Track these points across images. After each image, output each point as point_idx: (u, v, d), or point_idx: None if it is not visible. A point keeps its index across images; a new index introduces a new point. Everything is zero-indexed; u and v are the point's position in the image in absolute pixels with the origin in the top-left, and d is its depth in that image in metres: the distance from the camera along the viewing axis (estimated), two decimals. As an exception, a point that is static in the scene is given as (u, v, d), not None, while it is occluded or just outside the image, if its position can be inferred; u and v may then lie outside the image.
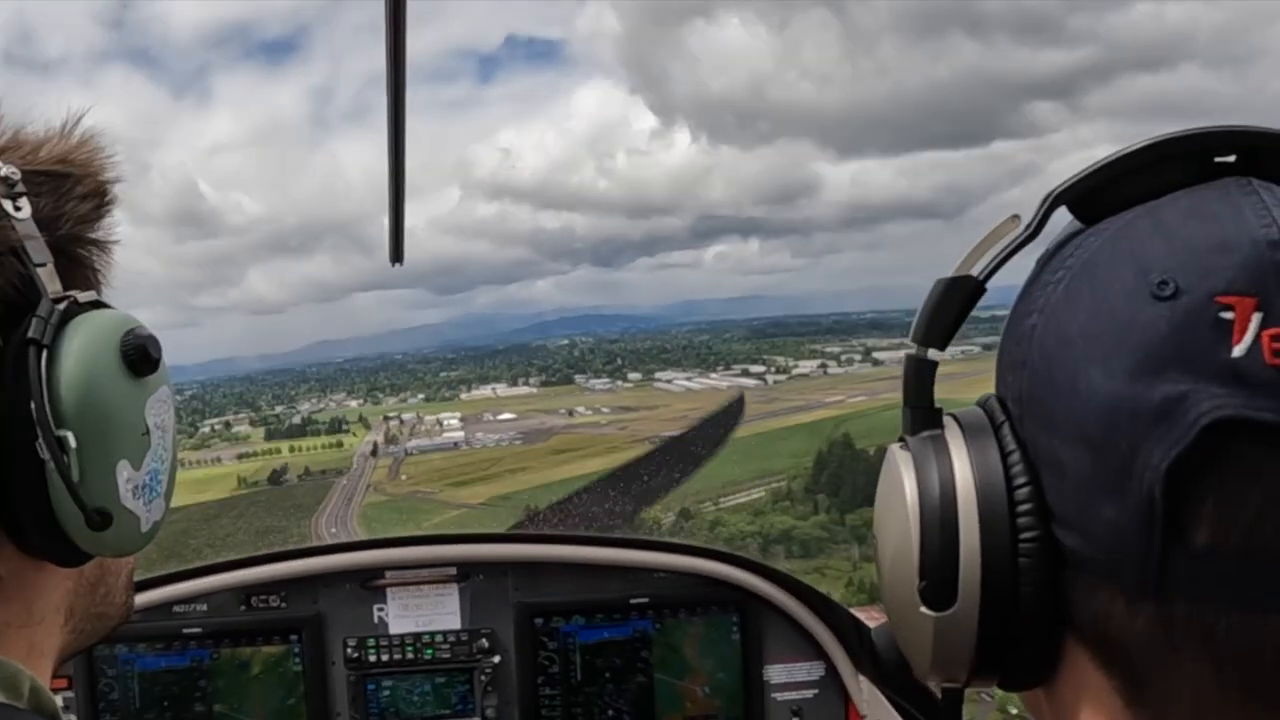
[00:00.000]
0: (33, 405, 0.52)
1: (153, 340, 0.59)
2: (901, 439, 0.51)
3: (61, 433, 0.53)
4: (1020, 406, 0.46)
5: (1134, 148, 0.46)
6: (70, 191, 0.59)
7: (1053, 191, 0.48)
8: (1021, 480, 0.45)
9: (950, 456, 0.47)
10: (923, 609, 0.47)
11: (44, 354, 0.53)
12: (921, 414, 0.50)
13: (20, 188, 0.55)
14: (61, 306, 0.55)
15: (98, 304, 0.59)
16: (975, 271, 0.50)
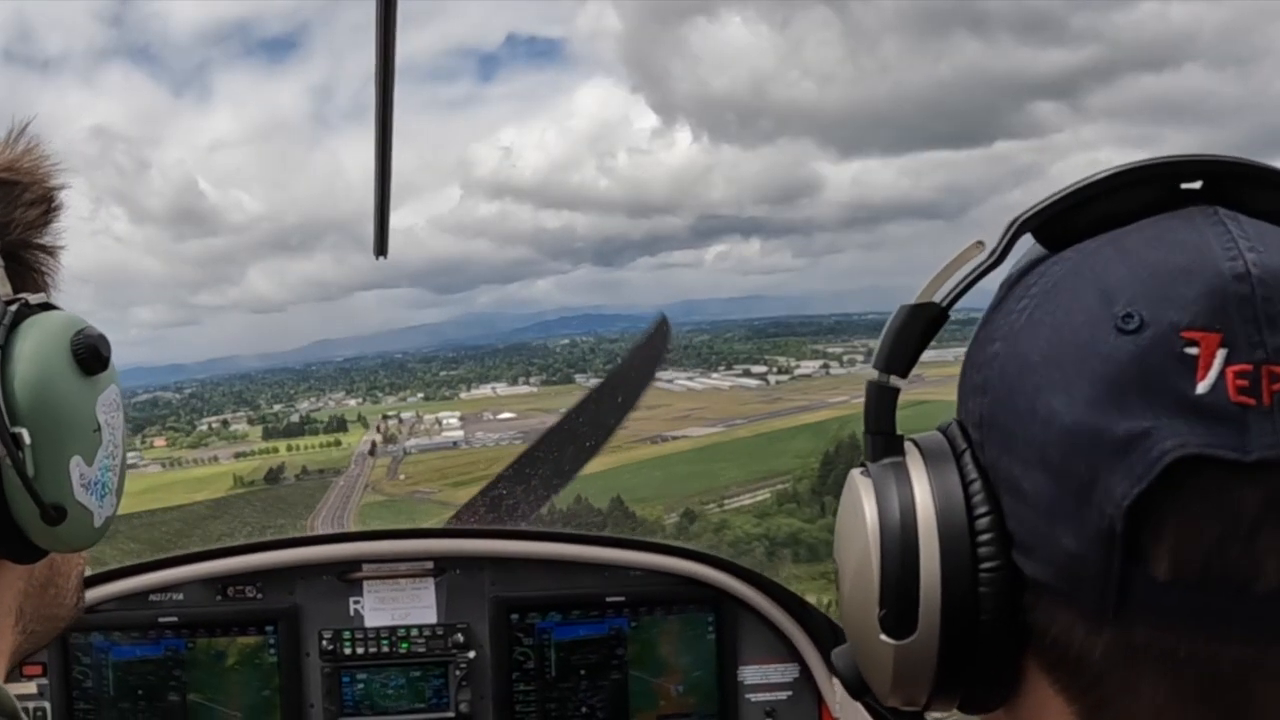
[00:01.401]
0: None
1: (103, 340, 0.60)
2: (862, 464, 0.51)
3: (16, 429, 0.54)
4: (981, 432, 0.46)
5: (1098, 175, 0.46)
6: (18, 198, 0.60)
7: (1018, 218, 0.48)
8: (983, 509, 0.45)
9: (911, 484, 0.47)
10: (883, 636, 0.47)
11: None
12: (883, 440, 0.50)
13: None
14: (13, 308, 0.57)
15: (48, 306, 0.60)
16: (938, 298, 0.49)
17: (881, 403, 0.50)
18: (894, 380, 0.50)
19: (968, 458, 0.47)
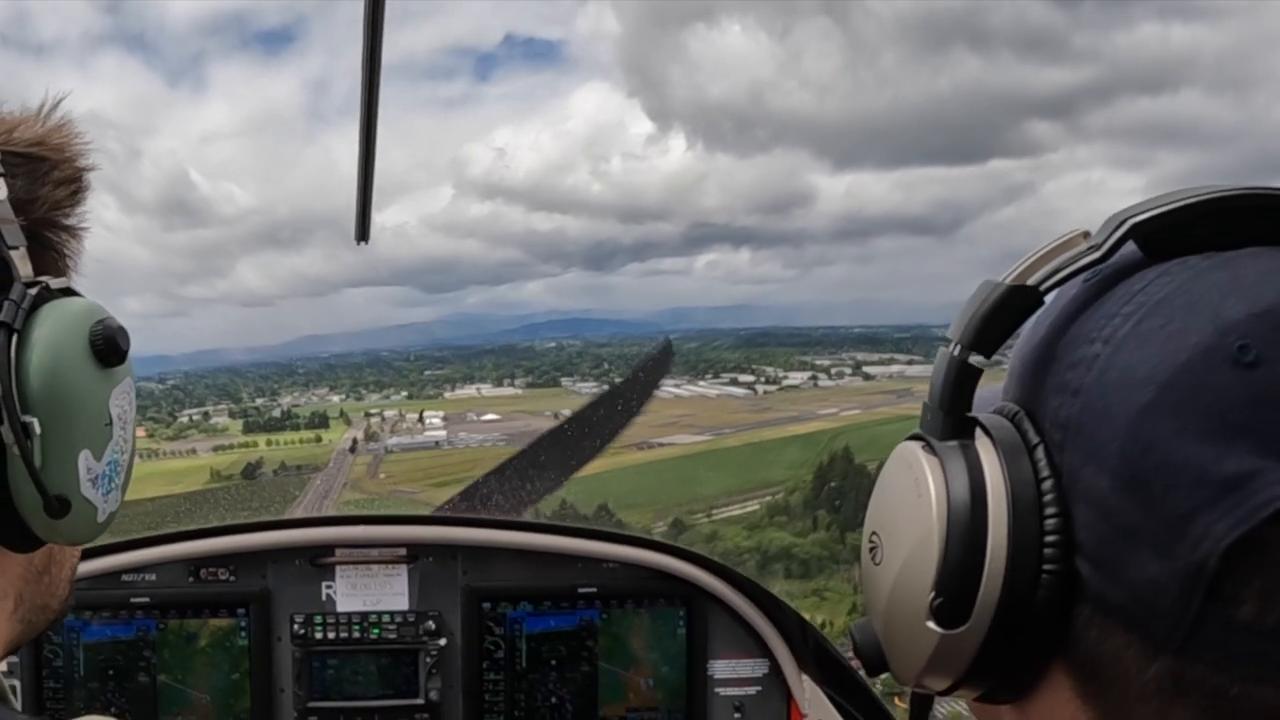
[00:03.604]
0: None
1: (122, 331, 0.59)
2: (920, 439, 0.49)
3: (27, 418, 0.53)
4: (1064, 433, 0.45)
5: (1221, 194, 0.45)
6: (46, 176, 0.59)
7: (1128, 217, 0.46)
8: (1052, 510, 0.44)
9: (983, 472, 0.46)
10: (930, 623, 0.46)
11: (14, 338, 0.53)
12: (955, 421, 0.48)
13: None
14: (34, 292, 0.55)
15: (69, 291, 0.59)
16: (1032, 281, 0.47)
17: (961, 380, 0.48)
18: (974, 359, 0.48)
19: (1041, 453, 0.45)
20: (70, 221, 0.61)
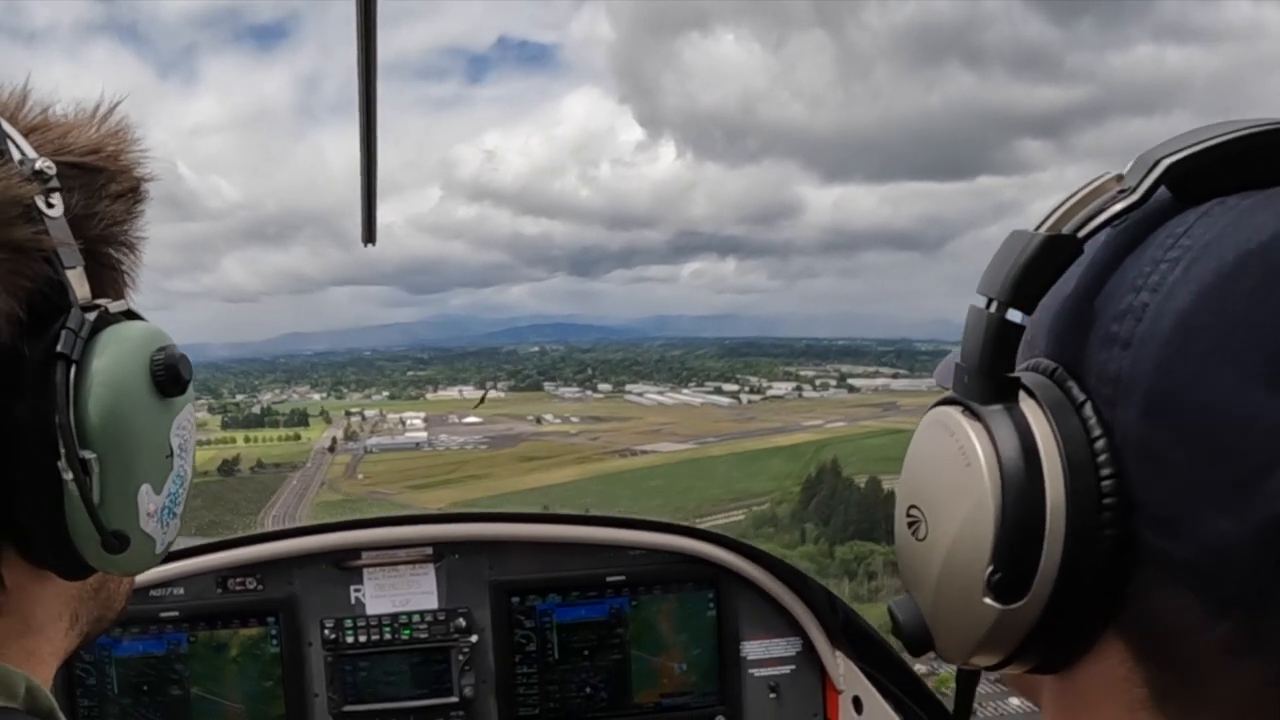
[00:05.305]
0: (57, 422, 0.50)
1: (184, 360, 0.56)
2: (957, 403, 0.47)
3: (85, 454, 0.51)
4: (1114, 388, 0.43)
5: (1255, 129, 0.44)
6: (104, 189, 0.56)
7: (1162, 158, 0.43)
8: (1109, 470, 0.42)
9: (1034, 436, 0.44)
10: (987, 599, 0.44)
11: (72, 369, 0.51)
12: (996, 383, 0.45)
13: (54, 183, 0.51)
14: (91, 317, 0.52)
15: (129, 314, 0.56)
16: (1067, 230, 0.45)
17: (1001, 339, 0.45)
18: (1013, 315, 0.45)
19: (1089, 411, 0.43)
20: (129, 236, 0.58)
